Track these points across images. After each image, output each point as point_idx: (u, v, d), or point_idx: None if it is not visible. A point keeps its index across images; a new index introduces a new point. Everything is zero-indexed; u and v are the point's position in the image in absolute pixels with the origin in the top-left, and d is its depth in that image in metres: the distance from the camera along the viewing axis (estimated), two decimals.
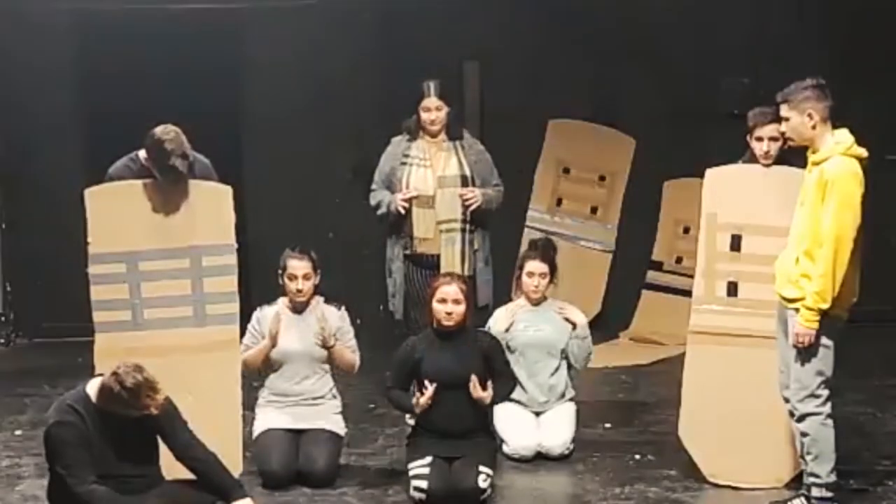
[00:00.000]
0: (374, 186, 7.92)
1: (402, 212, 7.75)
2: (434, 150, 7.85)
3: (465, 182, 7.81)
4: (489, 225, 7.95)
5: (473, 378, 6.73)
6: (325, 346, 7.07)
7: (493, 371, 6.97)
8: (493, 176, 7.92)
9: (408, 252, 7.84)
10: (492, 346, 6.97)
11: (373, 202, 7.89)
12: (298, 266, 7.08)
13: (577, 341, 7.52)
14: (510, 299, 7.95)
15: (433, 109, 7.78)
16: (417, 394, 6.79)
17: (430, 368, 6.79)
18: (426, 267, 7.78)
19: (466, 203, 7.77)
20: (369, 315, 8.67)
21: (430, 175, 7.80)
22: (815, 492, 6.33)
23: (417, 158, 7.83)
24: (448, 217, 7.77)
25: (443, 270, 7.60)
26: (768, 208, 6.72)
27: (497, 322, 7.47)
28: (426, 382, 6.73)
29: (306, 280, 7.09)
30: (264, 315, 7.16)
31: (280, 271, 7.14)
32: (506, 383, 7.01)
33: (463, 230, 7.80)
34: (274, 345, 7.07)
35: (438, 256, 7.78)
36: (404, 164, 7.83)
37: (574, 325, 7.51)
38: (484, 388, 6.80)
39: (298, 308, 7.15)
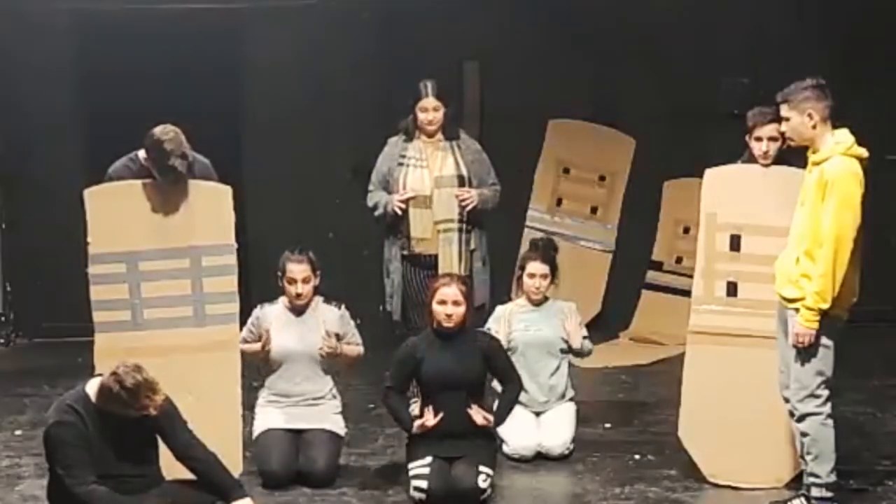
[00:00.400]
0: (370, 187, 7.92)
1: (399, 213, 7.75)
2: (431, 151, 7.85)
3: (461, 182, 7.81)
4: (486, 225, 7.95)
5: (475, 409, 6.73)
6: (334, 356, 7.09)
7: (496, 372, 6.96)
8: (490, 176, 7.92)
9: (405, 252, 7.84)
10: (492, 347, 6.95)
11: (370, 203, 7.89)
12: (297, 270, 7.07)
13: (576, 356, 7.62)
14: (509, 299, 7.97)
15: (430, 110, 7.78)
16: (418, 419, 6.77)
17: (430, 369, 6.78)
18: (424, 267, 7.79)
19: (462, 203, 7.77)
20: (369, 315, 8.65)
21: (426, 175, 7.80)
22: (815, 492, 6.33)
23: (414, 159, 7.83)
24: (445, 217, 7.77)
25: (440, 270, 7.61)
26: (767, 208, 6.71)
27: (495, 331, 7.43)
28: (429, 409, 6.73)
29: (305, 283, 7.08)
30: (264, 314, 7.16)
31: (279, 274, 7.13)
32: (512, 388, 6.96)
33: (460, 230, 7.80)
34: (266, 352, 7.09)
35: (436, 256, 7.79)
36: (401, 164, 7.83)
37: (570, 347, 7.53)
38: (482, 393, 6.83)
39: (298, 309, 7.15)
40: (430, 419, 6.70)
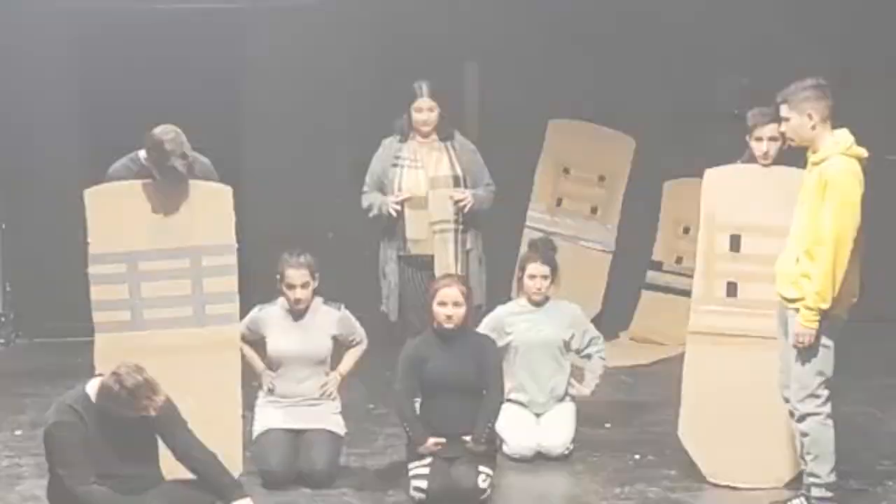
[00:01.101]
0: (365, 188, 7.91)
1: (395, 214, 7.74)
2: (425, 151, 7.84)
3: (456, 182, 7.80)
4: (485, 225, 7.95)
5: (468, 440, 6.72)
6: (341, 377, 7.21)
7: (482, 371, 6.87)
8: (485, 176, 7.91)
9: (401, 254, 7.82)
10: (486, 347, 6.93)
11: (364, 204, 7.87)
12: (296, 275, 7.06)
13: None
14: (509, 299, 7.97)
15: (425, 110, 7.78)
16: (428, 441, 6.75)
17: (431, 370, 6.78)
18: (420, 268, 7.78)
19: (460, 204, 7.75)
20: (368, 316, 8.63)
21: (421, 176, 7.79)
22: (815, 492, 6.34)
23: (409, 160, 7.82)
24: (441, 218, 7.76)
25: (437, 271, 7.60)
26: (767, 208, 6.72)
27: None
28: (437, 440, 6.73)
29: (304, 289, 7.07)
30: (262, 316, 7.15)
31: (278, 277, 7.12)
32: (491, 398, 6.82)
33: (456, 231, 7.78)
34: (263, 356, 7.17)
35: (432, 257, 7.77)
36: (396, 165, 7.82)
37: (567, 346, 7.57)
38: (482, 394, 6.81)
39: (298, 312, 7.14)
40: (439, 444, 6.70)
